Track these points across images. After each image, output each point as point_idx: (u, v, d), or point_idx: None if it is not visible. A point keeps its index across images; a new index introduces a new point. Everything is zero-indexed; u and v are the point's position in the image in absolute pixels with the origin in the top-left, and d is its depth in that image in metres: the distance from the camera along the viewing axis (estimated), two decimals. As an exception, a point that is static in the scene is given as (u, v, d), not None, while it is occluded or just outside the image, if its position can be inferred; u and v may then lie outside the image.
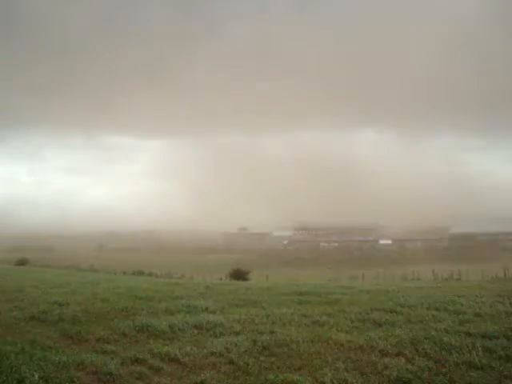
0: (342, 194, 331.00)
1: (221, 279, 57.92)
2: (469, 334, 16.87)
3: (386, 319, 19.96)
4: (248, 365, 14.97)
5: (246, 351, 16.55)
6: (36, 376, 13.53)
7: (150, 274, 65.32)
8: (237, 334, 19.29)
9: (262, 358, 15.75)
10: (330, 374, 13.53)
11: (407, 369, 13.44)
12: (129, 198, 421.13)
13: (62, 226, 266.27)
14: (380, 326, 19.10)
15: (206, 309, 25.30)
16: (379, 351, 15.41)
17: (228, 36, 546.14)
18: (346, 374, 13.52)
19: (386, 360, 14.36)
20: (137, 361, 16.02)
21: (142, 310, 25.61)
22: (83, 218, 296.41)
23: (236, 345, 17.32)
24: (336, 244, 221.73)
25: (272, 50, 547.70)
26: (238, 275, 59.95)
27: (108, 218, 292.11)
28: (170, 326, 20.95)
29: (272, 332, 19.18)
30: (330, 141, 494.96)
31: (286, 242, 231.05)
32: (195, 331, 20.33)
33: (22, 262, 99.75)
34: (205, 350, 16.97)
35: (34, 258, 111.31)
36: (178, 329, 20.51)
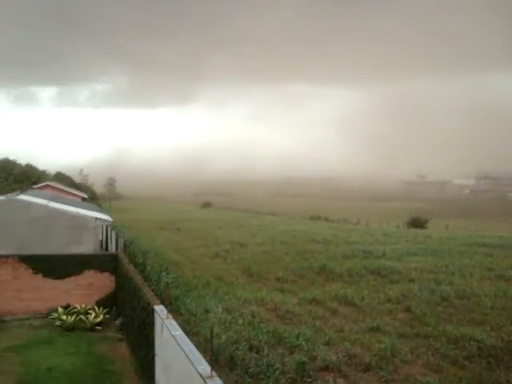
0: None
1: (398, 227, 56.96)
2: None
3: None
4: (425, 314, 14.76)
5: (423, 300, 16.33)
6: (220, 308, 14.83)
7: (326, 219, 66.63)
8: (414, 281, 19.06)
9: (440, 309, 15.41)
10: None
11: None
12: (307, 145, 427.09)
13: (243, 172, 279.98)
14: None
15: (383, 255, 25.30)
16: None
17: None
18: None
19: None
20: (314, 301, 16.72)
21: (320, 253, 26.44)
22: (262, 165, 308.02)
23: (413, 293, 17.16)
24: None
25: None
26: (416, 224, 58.45)
27: (286, 165, 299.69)
28: (347, 270, 21.41)
29: (451, 283, 18.60)
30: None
31: (467, 192, 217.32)
32: (372, 276, 20.54)
33: (206, 205, 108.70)
34: (381, 296, 17.08)
35: (217, 201, 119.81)
36: (355, 273, 20.89)
